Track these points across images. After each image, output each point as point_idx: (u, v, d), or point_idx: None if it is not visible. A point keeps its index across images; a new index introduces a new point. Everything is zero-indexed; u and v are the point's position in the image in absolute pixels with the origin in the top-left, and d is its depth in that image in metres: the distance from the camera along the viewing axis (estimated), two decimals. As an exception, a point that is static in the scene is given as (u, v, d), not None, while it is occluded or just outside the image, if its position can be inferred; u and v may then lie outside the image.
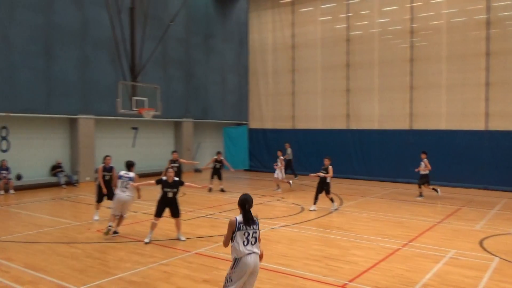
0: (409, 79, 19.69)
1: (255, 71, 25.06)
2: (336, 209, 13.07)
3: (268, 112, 24.62)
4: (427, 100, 19.34)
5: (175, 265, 7.65)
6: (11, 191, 16.20)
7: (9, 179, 16.30)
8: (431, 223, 11.29)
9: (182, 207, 13.19)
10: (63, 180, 18.05)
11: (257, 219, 5.32)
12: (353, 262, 7.92)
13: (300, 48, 23.17)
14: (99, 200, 11.56)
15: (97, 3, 18.71)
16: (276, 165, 17.21)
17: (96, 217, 11.52)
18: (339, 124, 21.83)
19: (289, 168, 21.67)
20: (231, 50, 27.69)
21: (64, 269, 7.42)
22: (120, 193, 9.82)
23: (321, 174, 13.13)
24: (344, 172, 21.04)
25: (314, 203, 13.07)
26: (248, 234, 5.18)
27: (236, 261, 5.14)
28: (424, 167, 15.17)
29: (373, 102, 20.80)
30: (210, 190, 16.55)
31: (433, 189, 15.44)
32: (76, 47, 18.56)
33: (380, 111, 20.61)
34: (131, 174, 10.04)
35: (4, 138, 16.97)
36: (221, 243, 9.06)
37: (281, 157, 17.46)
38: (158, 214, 9.33)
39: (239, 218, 5.21)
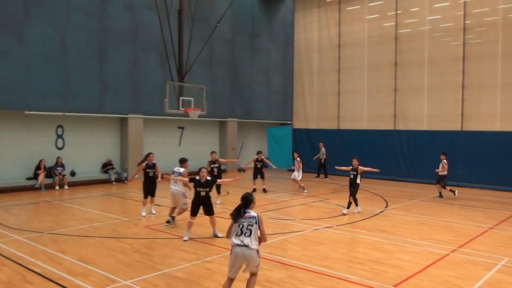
0: (461, 78, 18.91)
1: (300, 71, 24.94)
2: (358, 212, 12.69)
3: (312, 112, 24.43)
4: (480, 100, 18.50)
5: (218, 263, 7.76)
6: (66, 187, 17.06)
7: (64, 175, 17.17)
8: (483, 229, 10.79)
9: (226, 206, 13.41)
10: (113, 177, 18.77)
11: (257, 214, 5.90)
12: (398, 266, 7.72)
13: (346, 47, 22.83)
14: (145, 196, 11.95)
15: (147, 6, 19.32)
16: (294, 167, 17.04)
17: (143, 213, 11.91)
18: (386, 124, 21.30)
19: (322, 168, 21.54)
20: (277, 49, 27.73)
21: (113, 262, 7.72)
22: (172, 187, 10.84)
23: (343, 168, 13.24)
24: (390, 173, 20.53)
25: (347, 207, 12.65)
26: (243, 226, 5.76)
27: (231, 250, 5.84)
28: (441, 168, 15.44)
29: (422, 102, 20.13)
30: (254, 190, 16.62)
31: (451, 190, 15.48)
32: (127, 49, 19.25)
33: (429, 111, 19.92)
34: (181, 170, 10.82)
35: (60, 136, 17.88)
36: (263, 243, 9.13)
37: (298, 159, 17.20)
38: (193, 213, 9.53)
39: (235, 212, 5.89)
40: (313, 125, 24.42)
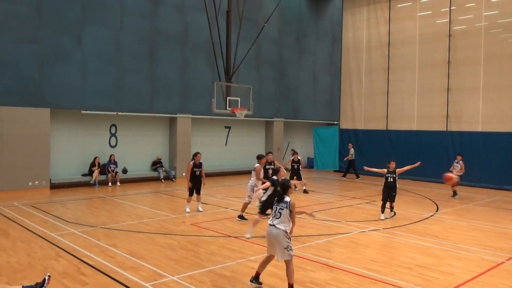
0: (521, 76, 17.89)
1: (348, 70, 24.55)
2: (392, 217, 12.13)
3: (360, 112, 23.99)
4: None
5: (262, 262, 7.80)
6: (118, 184, 17.76)
7: (117, 172, 17.88)
8: (543, 237, 10.18)
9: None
10: (162, 175, 19.33)
11: (290, 200, 6.39)
12: (449, 273, 7.44)
13: (396, 45, 22.24)
14: (191, 194, 12.29)
15: (197, 8, 19.75)
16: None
17: (188, 210, 12.28)
18: (437, 125, 20.54)
19: (352, 168, 21.50)
20: (324, 49, 27.46)
21: (161, 258, 7.97)
22: (249, 181, 11.72)
23: (374, 170, 12.44)
24: (441, 176, 19.74)
25: (383, 211, 11.91)
26: (276, 209, 6.44)
27: None
28: (459, 169, 15.82)
29: (477, 102, 19.24)
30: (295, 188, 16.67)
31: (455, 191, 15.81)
32: (177, 50, 19.76)
33: (484, 112, 19.00)
34: (255, 165, 11.63)
35: (113, 135, 18.65)
36: (309, 244, 9.10)
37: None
38: (263, 211, 9.90)
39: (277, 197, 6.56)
40: (360, 126, 23.97)
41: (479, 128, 19.19)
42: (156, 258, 7.94)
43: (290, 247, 6.29)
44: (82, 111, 16.92)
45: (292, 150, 18.18)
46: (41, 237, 9.35)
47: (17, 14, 15.20)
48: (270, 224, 6.42)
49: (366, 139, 23.40)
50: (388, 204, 12.03)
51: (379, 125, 22.97)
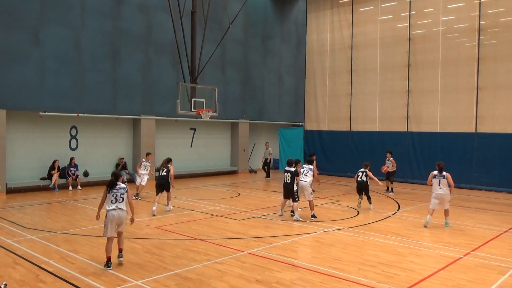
0: (476, 79, 18.69)
1: (312, 72, 24.88)
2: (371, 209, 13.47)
3: (324, 113, 24.35)
4: (495, 101, 18.26)
5: (228, 264, 7.78)
6: (79, 187, 17.25)
7: (77, 175, 17.37)
8: (496, 232, 10.64)
9: (236, 208, 13.42)
10: (125, 177, 18.91)
11: (126, 185, 7.91)
12: (410, 269, 7.65)
13: (358, 48, 22.73)
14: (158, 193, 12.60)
15: (161, 8, 19.49)
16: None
17: (154, 207, 12.39)
18: (398, 126, 21.14)
19: (267, 167, 22.03)
20: (289, 51, 27.71)
21: (125, 263, 7.78)
22: (301, 180, 12.09)
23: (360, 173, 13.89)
24: (402, 176, 20.36)
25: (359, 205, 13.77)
26: (117, 195, 7.74)
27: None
28: (391, 166, 16.86)
29: (435, 104, 19.94)
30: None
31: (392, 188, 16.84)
32: (140, 51, 19.42)
33: (443, 113, 19.71)
34: (311, 166, 12.48)
35: (73, 137, 18.10)
36: (275, 244, 9.14)
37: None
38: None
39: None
40: (324, 127, 24.33)
41: (437, 129, 19.89)
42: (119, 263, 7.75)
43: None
44: (40, 113, 16.33)
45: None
46: (-3, 244, 8.95)
47: (-31, 11, 14.53)
48: (116, 208, 7.72)
49: (330, 140, 23.78)
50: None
51: (343, 126, 23.40)
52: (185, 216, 12.25)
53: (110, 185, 7.76)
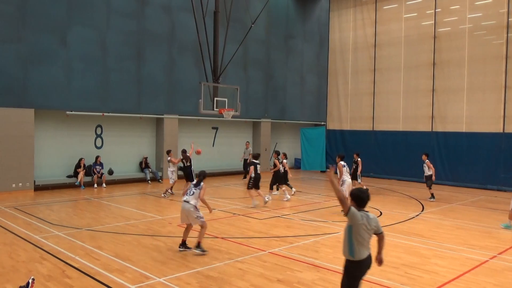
0: (503, 78, 18.21)
1: (335, 71, 24.70)
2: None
3: (346, 113, 24.14)
4: (524, 101, 17.76)
5: (250, 263, 7.81)
6: (104, 185, 17.58)
7: (102, 173, 17.71)
8: (525, 236, 10.36)
9: (258, 207, 13.45)
10: (149, 176, 19.20)
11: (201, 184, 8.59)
12: (434, 271, 7.52)
13: (382, 46, 22.43)
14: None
15: (184, 9, 19.66)
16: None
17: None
18: (422, 126, 20.77)
19: (244, 168, 20.93)
20: (311, 50, 27.57)
21: (148, 260, 7.91)
22: (348, 178, 12.70)
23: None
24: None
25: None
26: (189, 191, 8.54)
27: None
28: (427, 170, 15.49)
29: (461, 103, 19.51)
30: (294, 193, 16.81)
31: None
32: (164, 51, 19.64)
33: (469, 113, 19.28)
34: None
35: (98, 136, 18.46)
36: (296, 244, 9.12)
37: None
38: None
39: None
40: (347, 126, 24.12)
41: (463, 128, 19.46)
42: (142, 260, 7.87)
43: None
44: (67, 112, 16.71)
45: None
46: (25, 239, 9.21)
47: (0, 14, 14.96)
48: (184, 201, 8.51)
49: (353, 139, 23.55)
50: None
51: (366, 126, 23.15)
52: (206, 214, 12.32)
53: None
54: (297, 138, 26.89)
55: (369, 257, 5.10)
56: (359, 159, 17.03)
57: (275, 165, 15.22)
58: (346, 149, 23.60)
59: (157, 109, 19.64)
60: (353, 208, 5.02)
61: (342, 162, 12.75)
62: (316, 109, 27.72)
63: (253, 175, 13.53)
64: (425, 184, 15.86)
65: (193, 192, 8.43)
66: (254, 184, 13.55)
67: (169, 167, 15.72)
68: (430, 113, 20.50)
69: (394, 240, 9.73)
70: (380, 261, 5.28)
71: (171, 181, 15.54)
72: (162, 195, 15.27)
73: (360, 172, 17.03)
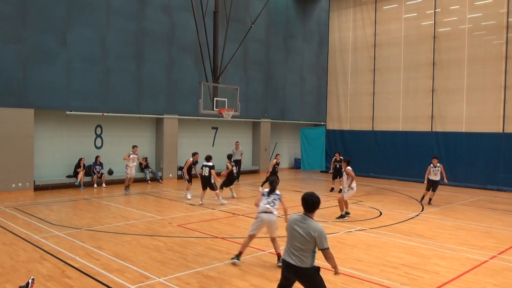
0: (503, 78, 18.22)
1: (334, 71, 24.70)
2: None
3: (346, 113, 24.14)
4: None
5: (250, 263, 7.80)
6: (103, 185, 17.57)
7: (102, 173, 17.69)
8: (525, 236, 10.36)
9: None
10: (148, 176, 19.19)
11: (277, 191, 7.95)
12: (434, 272, 7.52)
13: (382, 47, 22.44)
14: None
15: (184, 9, 19.65)
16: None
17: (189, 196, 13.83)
18: (422, 126, 20.78)
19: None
20: (311, 50, 27.57)
21: (148, 260, 7.90)
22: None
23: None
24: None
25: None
26: (267, 200, 7.77)
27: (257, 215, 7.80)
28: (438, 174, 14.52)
29: (461, 103, 19.52)
30: (331, 190, 16.81)
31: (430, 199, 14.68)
32: (164, 51, 19.63)
33: (468, 113, 19.28)
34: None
35: (98, 135, 18.45)
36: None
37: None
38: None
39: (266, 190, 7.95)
40: (346, 126, 24.13)
41: (463, 128, 19.47)
42: (142, 260, 7.87)
43: None
44: (67, 112, 16.70)
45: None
46: (25, 239, 9.21)
47: (0, 14, 14.95)
48: (268, 211, 7.69)
49: (352, 139, 23.56)
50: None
51: (365, 126, 23.15)
52: (207, 214, 12.35)
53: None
54: (297, 138, 26.89)
55: (285, 262, 5.05)
56: (439, 164, 16.15)
57: (227, 168, 15.16)
58: (346, 149, 23.60)
59: (157, 109, 19.63)
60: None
61: (350, 168, 12.08)
62: (316, 109, 27.72)
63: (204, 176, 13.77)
64: (421, 184, 15.78)
65: (274, 202, 7.77)
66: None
67: (133, 161, 16.10)
68: (430, 113, 20.50)
69: (395, 240, 9.73)
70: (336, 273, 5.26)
71: (130, 176, 16.02)
72: (126, 192, 15.84)
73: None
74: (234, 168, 15.64)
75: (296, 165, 27.00)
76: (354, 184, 11.92)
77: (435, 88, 20.33)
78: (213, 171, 13.66)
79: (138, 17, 18.67)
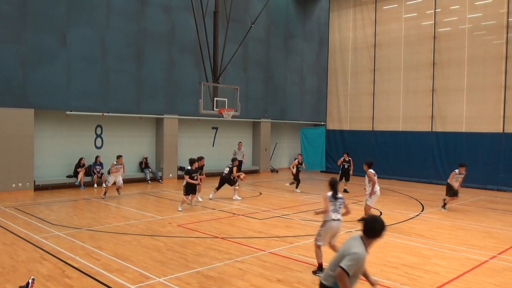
0: (503, 78, 18.22)
1: (335, 71, 24.71)
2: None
3: (346, 113, 24.15)
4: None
5: (249, 263, 7.81)
6: (103, 185, 17.55)
7: (102, 173, 17.69)
8: (525, 236, 10.36)
9: (258, 207, 13.45)
10: (149, 176, 19.19)
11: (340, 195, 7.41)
12: (434, 272, 7.52)
13: (382, 47, 22.44)
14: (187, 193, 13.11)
15: (184, 9, 19.65)
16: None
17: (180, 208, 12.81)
18: (422, 126, 20.78)
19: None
20: (311, 50, 27.57)
21: (148, 260, 7.91)
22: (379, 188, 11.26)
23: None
24: (426, 176, 20.07)
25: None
26: (335, 205, 7.27)
27: (324, 223, 7.29)
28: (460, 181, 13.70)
29: (461, 103, 19.52)
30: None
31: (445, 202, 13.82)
32: (164, 51, 19.63)
33: (469, 113, 19.29)
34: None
35: (98, 135, 18.45)
36: (296, 244, 9.11)
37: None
38: None
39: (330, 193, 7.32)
40: (346, 126, 24.13)
41: (463, 128, 19.48)
42: (142, 260, 7.87)
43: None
44: (67, 112, 16.70)
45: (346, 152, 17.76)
46: (25, 239, 9.21)
47: (0, 14, 14.95)
48: (336, 219, 7.29)
49: (352, 139, 23.56)
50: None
51: (365, 126, 23.15)
52: (207, 214, 12.35)
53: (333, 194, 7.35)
54: (297, 138, 26.89)
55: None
56: (350, 158, 16.97)
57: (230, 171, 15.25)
58: (346, 149, 23.56)
59: (157, 109, 19.63)
60: None
61: (372, 171, 11.14)
62: (316, 109, 27.71)
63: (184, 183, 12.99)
64: (425, 184, 15.80)
65: (340, 207, 7.38)
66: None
67: (117, 171, 14.96)
68: (430, 113, 20.50)
69: (395, 240, 9.73)
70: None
71: (109, 184, 14.89)
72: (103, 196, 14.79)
73: (352, 172, 17.13)
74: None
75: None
76: (376, 188, 11.05)
77: (435, 88, 20.34)
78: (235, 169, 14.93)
79: (138, 17, 18.67)
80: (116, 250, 8.48)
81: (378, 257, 8.35)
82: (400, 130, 21.62)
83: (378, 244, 9.25)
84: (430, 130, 20.52)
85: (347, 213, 7.52)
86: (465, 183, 18.76)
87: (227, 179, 15.00)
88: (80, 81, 16.94)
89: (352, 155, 18.04)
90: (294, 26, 26.37)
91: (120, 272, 7.22)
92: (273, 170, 25.23)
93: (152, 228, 10.52)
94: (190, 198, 13.18)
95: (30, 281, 5.78)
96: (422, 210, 13.56)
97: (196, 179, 13.19)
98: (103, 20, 17.56)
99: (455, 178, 13.65)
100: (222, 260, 7.98)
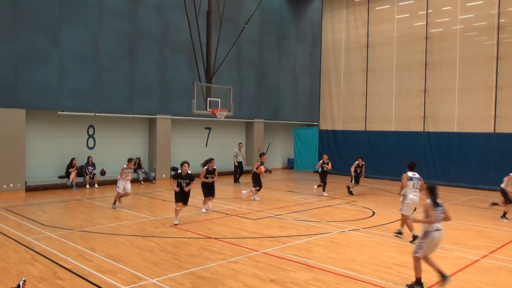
0: (494, 78, 18.38)
1: (327, 72, 24.77)
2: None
3: (339, 113, 24.22)
4: (514, 101, 17.93)
5: (243, 263, 7.80)
6: (96, 186, 17.48)
7: (94, 174, 17.59)
8: (516, 235, 10.45)
9: (251, 207, 13.44)
10: (141, 176, 19.11)
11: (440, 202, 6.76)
12: (426, 271, 7.52)
13: (374, 47, 22.54)
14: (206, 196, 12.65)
15: (176, 9, 19.59)
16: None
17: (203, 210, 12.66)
18: (415, 126, 20.90)
19: (239, 170, 20.30)
20: (304, 50, 27.63)
21: (140, 260, 7.87)
22: (413, 195, 9.81)
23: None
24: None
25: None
26: (437, 214, 6.66)
27: (426, 234, 6.69)
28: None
29: (452, 103, 19.66)
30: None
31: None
32: (157, 51, 19.56)
33: (460, 113, 19.43)
34: (417, 175, 10.00)
35: (91, 136, 18.34)
36: (289, 244, 9.12)
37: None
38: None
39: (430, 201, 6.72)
40: (339, 127, 24.20)
41: (454, 129, 19.62)
42: (135, 261, 7.83)
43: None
44: (59, 112, 16.59)
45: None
46: (16, 241, 9.13)
47: (-10, 13, 14.83)
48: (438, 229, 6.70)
49: (345, 140, 23.64)
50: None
51: (358, 126, 23.24)
52: (200, 215, 12.32)
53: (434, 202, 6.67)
54: (290, 138, 26.94)
55: None
56: (364, 163, 16.70)
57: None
58: (338, 149, 23.72)
59: (150, 109, 19.55)
60: None
61: (410, 173, 9.95)
62: (309, 110, 27.78)
63: (177, 189, 11.05)
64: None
65: (441, 216, 6.75)
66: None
67: (127, 176, 13.28)
68: (422, 113, 20.63)
69: (388, 240, 9.77)
70: None
71: (119, 191, 13.11)
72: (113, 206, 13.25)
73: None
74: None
75: (289, 165, 27.04)
76: (405, 192, 9.86)
77: (427, 89, 20.46)
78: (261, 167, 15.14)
79: (131, 17, 18.59)
80: (109, 251, 8.44)
81: (371, 257, 8.38)
82: (393, 130, 21.74)
83: (371, 244, 9.32)
84: (422, 130, 20.65)
85: (446, 219, 6.89)
86: (457, 183, 19.04)
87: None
88: (72, 81, 16.83)
89: (345, 155, 18.10)
90: (287, 27, 26.41)
91: (113, 273, 7.18)
92: (266, 170, 25.20)
93: (145, 228, 10.47)
94: (206, 200, 12.61)
95: (21, 283, 5.74)
96: (415, 210, 13.61)
97: (184, 186, 11.11)
98: (95, 20, 17.46)
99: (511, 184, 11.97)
100: (215, 260, 7.97)
